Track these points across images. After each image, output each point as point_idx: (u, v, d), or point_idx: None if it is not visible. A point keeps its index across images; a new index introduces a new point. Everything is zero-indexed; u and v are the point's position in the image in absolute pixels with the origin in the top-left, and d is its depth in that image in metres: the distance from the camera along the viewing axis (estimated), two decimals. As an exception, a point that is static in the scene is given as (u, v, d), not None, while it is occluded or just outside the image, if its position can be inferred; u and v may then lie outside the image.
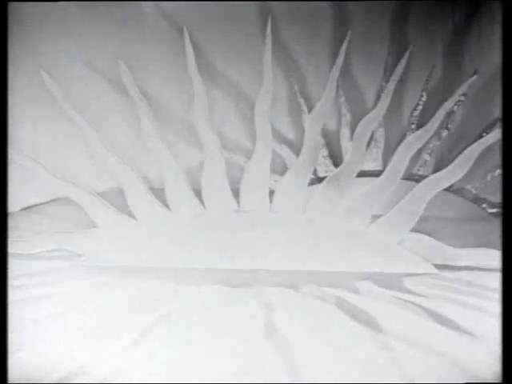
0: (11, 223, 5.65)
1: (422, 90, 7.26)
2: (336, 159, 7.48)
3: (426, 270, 6.27)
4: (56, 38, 6.77)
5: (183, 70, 6.70)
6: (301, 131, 7.02)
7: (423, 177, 6.95)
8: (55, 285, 5.80)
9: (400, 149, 6.69)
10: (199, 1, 6.60)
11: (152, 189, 6.88)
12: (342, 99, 7.43)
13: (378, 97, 7.01)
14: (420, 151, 7.05)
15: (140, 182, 6.82)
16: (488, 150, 6.59)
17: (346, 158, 6.87)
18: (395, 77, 6.78)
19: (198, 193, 6.87)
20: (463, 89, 6.90)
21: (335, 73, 6.60)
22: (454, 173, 6.32)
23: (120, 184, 6.89)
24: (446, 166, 6.53)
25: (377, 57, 7.28)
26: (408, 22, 7.04)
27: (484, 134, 6.83)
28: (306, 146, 6.70)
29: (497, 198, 6.05)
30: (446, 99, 6.79)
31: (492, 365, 3.83)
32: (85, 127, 6.62)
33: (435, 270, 6.27)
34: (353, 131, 6.81)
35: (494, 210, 6.41)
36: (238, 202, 6.90)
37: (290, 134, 7.40)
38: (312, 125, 6.66)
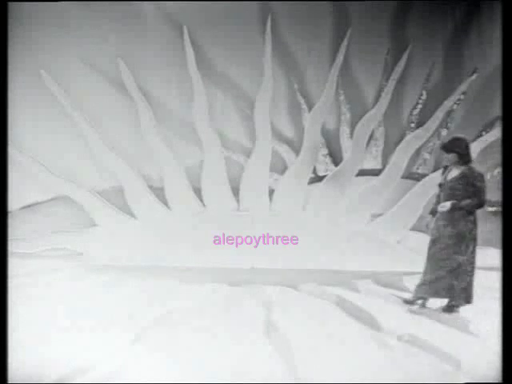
0: (11, 222, 5.66)
1: (422, 89, 7.25)
2: (336, 158, 7.48)
3: (426, 269, 6.23)
4: (56, 37, 6.77)
5: (183, 69, 6.69)
6: (301, 130, 7.03)
7: (423, 175, 6.96)
8: (55, 284, 5.80)
9: (400, 147, 6.71)
10: (199, 1, 6.59)
11: (151, 187, 6.87)
12: (342, 98, 7.42)
13: (378, 95, 7.00)
14: (420, 150, 7.04)
15: (140, 180, 6.83)
16: (488, 149, 6.55)
17: (346, 156, 6.88)
18: (395, 75, 6.79)
19: (197, 191, 6.87)
20: (463, 87, 6.90)
21: (335, 71, 6.60)
22: (453, 172, 6.27)
23: (120, 183, 6.87)
24: (446, 165, 6.45)
25: (377, 55, 7.26)
26: (408, 21, 7.03)
27: (483, 133, 6.83)
28: (306, 145, 6.71)
29: (496, 196, 6.04)
30: (445, 98, 6.77)
31: (492, 364, 3.83)
32: (85, 127, 6.62)
33: (435, 269, 6.24)
34: (353, 130, 6.84)
35: (493, 209, 6.40)
36: (238, 201, 6.90)
37: (289, 132, 7.40)
38: (312, 123, 6.67)
